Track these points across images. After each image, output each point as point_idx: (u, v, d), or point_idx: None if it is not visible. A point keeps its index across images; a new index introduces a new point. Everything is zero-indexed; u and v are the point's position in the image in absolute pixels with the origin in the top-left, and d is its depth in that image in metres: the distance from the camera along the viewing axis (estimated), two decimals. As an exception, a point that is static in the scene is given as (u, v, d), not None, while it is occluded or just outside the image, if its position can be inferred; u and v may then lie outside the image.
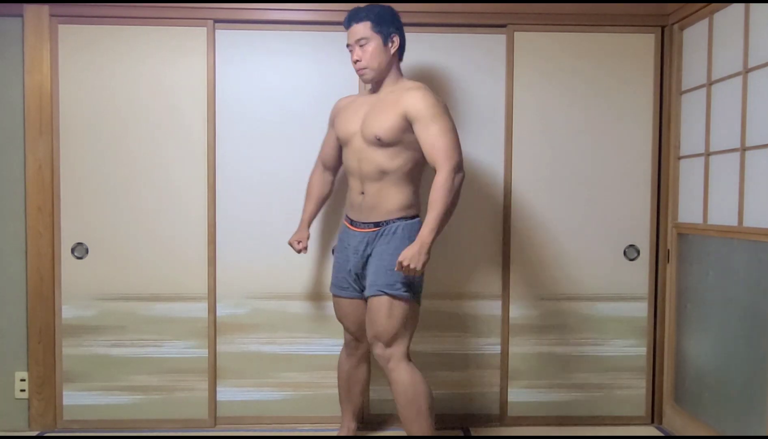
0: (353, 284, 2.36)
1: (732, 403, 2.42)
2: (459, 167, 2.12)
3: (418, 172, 2.30)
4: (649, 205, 2.85)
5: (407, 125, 2.16)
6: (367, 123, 2.24)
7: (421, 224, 2.15)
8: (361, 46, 2.23)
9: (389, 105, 2.20)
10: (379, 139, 2.19)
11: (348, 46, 2.28)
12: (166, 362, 2.78)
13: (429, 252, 2.07)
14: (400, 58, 2.33)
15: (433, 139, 2.11)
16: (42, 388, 2.74)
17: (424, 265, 2.06)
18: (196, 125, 2.75)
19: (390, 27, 2.23)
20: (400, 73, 2.32)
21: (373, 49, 2.22)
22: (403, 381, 2.18)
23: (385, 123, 2.18)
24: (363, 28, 2.22)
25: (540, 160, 2.82)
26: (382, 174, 2.23)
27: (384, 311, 2.18)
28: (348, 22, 2.26)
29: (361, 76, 2.29)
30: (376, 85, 2.32)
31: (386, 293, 2.17)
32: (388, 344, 2.20)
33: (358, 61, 2.25)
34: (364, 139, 2.24)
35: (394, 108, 2.18)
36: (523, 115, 2.81)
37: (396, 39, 2.25)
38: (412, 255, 2.05)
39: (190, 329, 2.77)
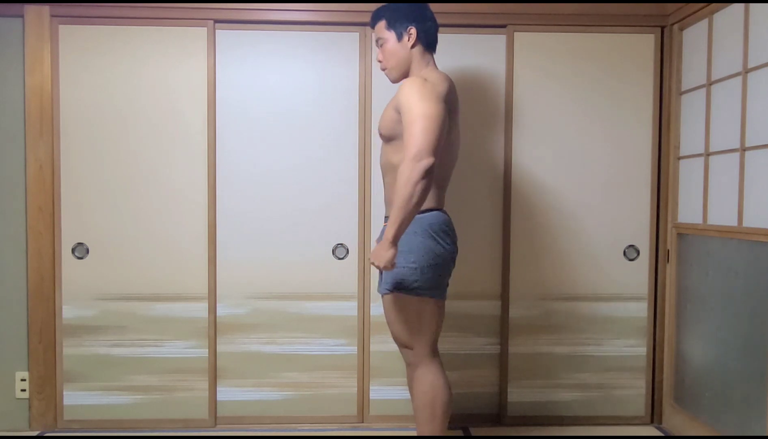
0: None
1: (732, 403, 2.42)
2: (420, 155, 1.90)
3: None
4: (649, 205, 2.85)
5: (399, 117, 2.05)
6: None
7: (434, 217, 2.09)
8: (380, 46, 2.19)
9: (394, 98, 2.14)
10: (381, 134, 2.17)
11: None
12: (166, 362, 2.78)
13: (394, 246, 1.93)
14: (431, 50, 2.20)
15: (406, 126, 1.97)
16: (42, 388, 2.74)
17: (390, 261, 1.93)
18: (197, 125, 2.75)
19: (404, 21, 2.14)
20: (425, 66, 2.18)
21: (389, 48, 2.17)
22: (421, 383, 2.10)
23: (383, 117, 2.15)
24: (380, 28, 2.18)
25: (540, 161, 2.83)
26: (392, 167, 2.14)
27: (392, 311, 2.12)
28: (370, 24, 2.23)
29: (387, 77, 2.24)
30: None
31: (390, 292, 2.09)
32: (405, 344, 2.13)
33: (380, 61, 2.21)
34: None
35: (394, 101, 2.10)
36: (523, 116, 2.81)
37: (413, 31, 2.13)
38: (374, 252, 1.96)
39: (190, 329, 2.78)
